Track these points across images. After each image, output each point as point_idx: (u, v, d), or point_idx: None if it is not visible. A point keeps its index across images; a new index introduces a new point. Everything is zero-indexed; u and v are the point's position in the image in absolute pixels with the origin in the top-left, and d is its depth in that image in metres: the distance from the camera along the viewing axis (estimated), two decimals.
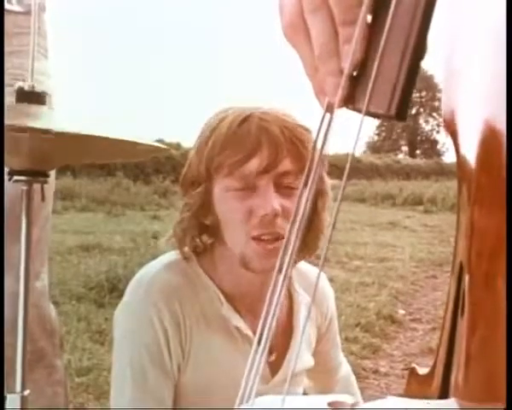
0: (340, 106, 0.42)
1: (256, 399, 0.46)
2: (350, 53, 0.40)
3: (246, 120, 0.96)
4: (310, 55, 0.43)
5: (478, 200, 0.40)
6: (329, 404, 0.44)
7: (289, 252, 0.45)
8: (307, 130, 0.99)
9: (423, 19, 0.39)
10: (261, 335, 0.45)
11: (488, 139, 0.39)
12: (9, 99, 1.14)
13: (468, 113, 0.44)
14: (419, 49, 0.39)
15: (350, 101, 0.42)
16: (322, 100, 0.44)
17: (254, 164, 0.94)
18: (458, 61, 0.44)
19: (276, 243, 0.95)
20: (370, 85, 0.40)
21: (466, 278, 0.39)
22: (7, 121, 0.88)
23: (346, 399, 0.44)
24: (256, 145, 0.94)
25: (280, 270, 0.46)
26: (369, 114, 0.41)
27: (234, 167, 0.95)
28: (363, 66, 0.41)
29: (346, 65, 0.41)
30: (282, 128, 0.96)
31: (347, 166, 0.42)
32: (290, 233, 0.45)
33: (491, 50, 0.40)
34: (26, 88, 0.99)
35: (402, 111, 0.40)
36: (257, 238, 0.95)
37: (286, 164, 0.95)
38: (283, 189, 0.96)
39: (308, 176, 0.45)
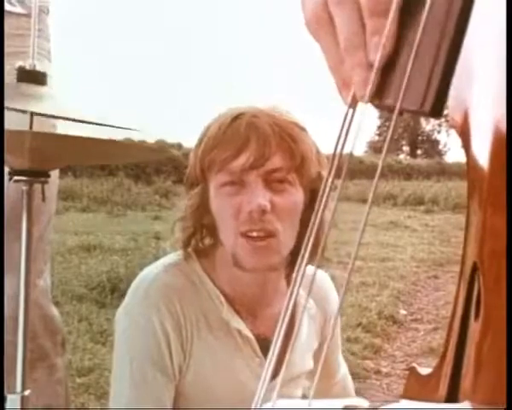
0: (368, 101, 0.40)
1: (276, 402, 0.45)
2: (380, 45, 0.38)
3: (237, 118, 0.96)
4: (334, 48, 0.41)
5: (491, 201, 0.39)
6: (345, 407, 0.44)
7: (301, 263, 0.44)
8: (300, 127, 0.99)
9: (462, 8, 0.37)
10: (275, 345, 0.44)
11: (502, 140, 0.39)
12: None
13: (481, 112, 0.43)
14: (457, 41, 0.37)
15: (377, 96, 0.40)
16: (346, 95, 0.42)
17: (242, 160, 0.94)
18: (470, 58, 0.43)
19: (266, 240, 0.94)
20: (405, 80, 0.38)
21: (480, 280, 0.39)
22: (7, 102, 0.87)
23: (362, 403, 0.43)
24: (244, 141, 0.94)
25: (295, 279, 0.45)
26: (400, 110, 0.39)
27: (224, 164, 0.95)
28: (393, 60, 0.39)
29: (376, 57, 0.39)
30: (271, 124, 0.95)
31: (379, 167, 0.40)
32: (308, 240, 0.44)
33: (505, 48, 0.40)
34: (28, 67, 0.98)
35: (437, 107, 0.38)
36: (245, 235, 0.94)
37: (275, 160, 0.95)
38: (274, 184, 0.95)
39: (328, 178, 0.43)
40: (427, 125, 43.41)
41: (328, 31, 0.41)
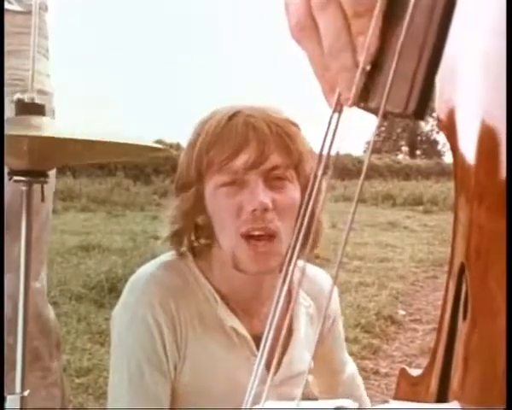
0: (353, 104, 0.40)
1: (265, 404, 0.45)
2: (365, 44, 0.39)
3: (233, 117, 0.96)
4: (319, 54, 0.41)
5: (476, 199, 0.40)
6: (335, 408, 0.44)
7: (291, 256, 0.44)
8: (295, 125, 0.99)
9: (444, 12, 0.37)
10: (266, 339, 0.44)
11: (486, 138, 0.39)
12: (8, 98, 1.13)
13: (466, 111, 0.43)
14: (439, 44, 0.37)
15: (362, 99, 0.40)
16: (332, 100, 0.42)
17: (242, 159, 0.94)
18: (454, 58, 0.43)
19: (268, 244, 0.94)
20: (389, 83, 0.38)
21: (468, 280, 0.39)
22: (7, 132, 0.87)
23: (350, 404, 0.43)
24: (243, 141, 0.94)
25: (285, 275, 0.45)
26: (384, 113, 0.39)
27: (223, 164, 0.95)
28: (377, 62, 0.39)
29: (362, 58, 0.39)
30: (268, 123, 0.95)
31: (364, 168, 0.41)
32: (296, 238, 0.44)
33: (489, 48, 0.40)
34: (26, 100, 0.98)
35: (421, 109, 0.38)
36: (247, 235, 0.94)
37: (274, 158, 0.95)
38: (274, 181, 0.96)
39: (315, 178, 0.44)
40: (427, 125, 43.45)
41: (313, 36, 0.41)
